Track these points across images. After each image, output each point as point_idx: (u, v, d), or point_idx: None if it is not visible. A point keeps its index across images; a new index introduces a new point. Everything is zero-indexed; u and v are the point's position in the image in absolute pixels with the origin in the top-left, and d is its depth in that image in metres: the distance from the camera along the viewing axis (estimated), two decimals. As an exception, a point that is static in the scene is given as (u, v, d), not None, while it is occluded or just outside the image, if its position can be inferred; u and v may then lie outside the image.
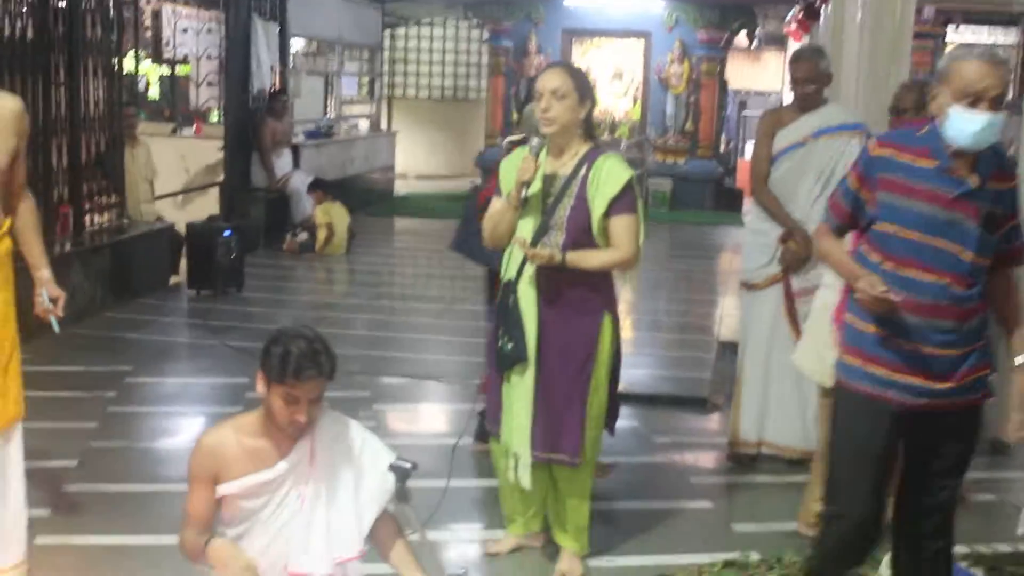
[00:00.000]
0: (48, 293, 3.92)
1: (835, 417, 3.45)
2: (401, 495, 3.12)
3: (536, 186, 3.98)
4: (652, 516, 4.79)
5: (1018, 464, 5.59)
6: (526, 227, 4.01)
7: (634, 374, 6.93)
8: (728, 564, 4.26)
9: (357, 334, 7.95)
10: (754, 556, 4.34)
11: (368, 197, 14.90)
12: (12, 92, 3.89)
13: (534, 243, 3.95)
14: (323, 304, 9.53)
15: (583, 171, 3.97)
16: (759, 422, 5.38)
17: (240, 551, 3.13)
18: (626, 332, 8.60)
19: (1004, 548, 4.46)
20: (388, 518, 3.31)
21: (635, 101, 16.50)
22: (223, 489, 3.16)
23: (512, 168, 4.03)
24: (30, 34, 7.55)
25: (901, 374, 3.22)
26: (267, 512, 3.19)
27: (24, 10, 7.52)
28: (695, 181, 15.95)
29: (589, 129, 4.09)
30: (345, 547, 3.20)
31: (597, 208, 3.93)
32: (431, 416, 6.36)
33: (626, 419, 5.52)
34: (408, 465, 3.10)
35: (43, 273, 3.93)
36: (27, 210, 3.90)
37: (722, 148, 16.95)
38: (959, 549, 3.94)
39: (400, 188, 17.14)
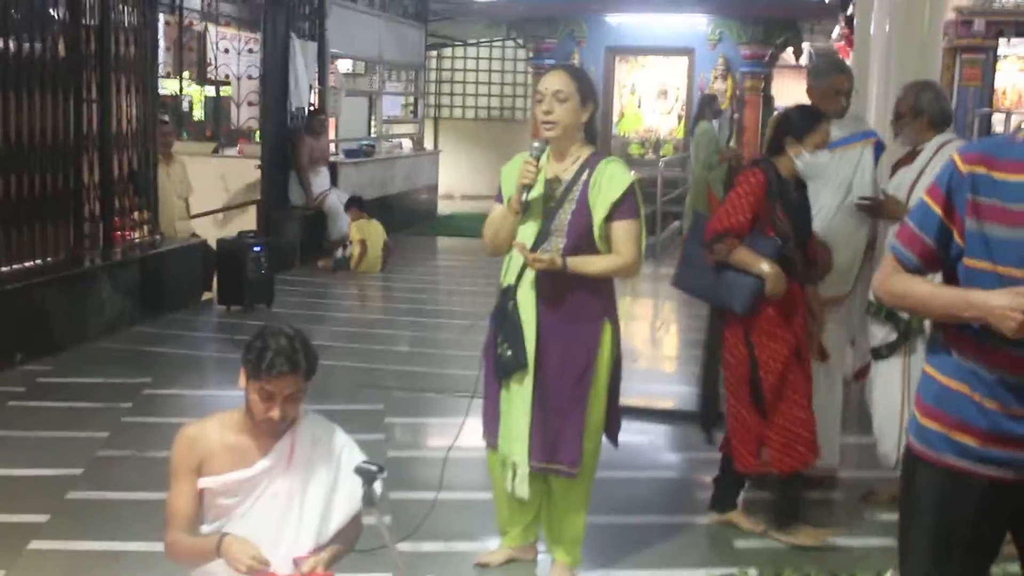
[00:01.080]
0: None
1: (906, 494, 2.74)
2: (368, 499, 3.07)
3: (538, 191, 3.93)
4: (653, 530, 4.70)
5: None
6: (527, 232, 3.97)
7: (645, 388, 6.86)
8: (722, 580, 4.16)
9: (377, 349, 7.89)
10: (752, 572, 4.24)
11: (411, 217, 14.95)
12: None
13: (535, 248, 3.91)
14: (349, 320, 9.57)
15: (585, 175, 3.93)
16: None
17: (252, 543, 3.04)
18: (639, 343, 8.52)
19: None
20: (355, 526, 3.27)
21: (680, 120, 16.40)
22: (203, 483, 3.12)
23: (514, 172, 3.99)
24: (62, 51, 7.68)
25: (999, 445, 2.52)
26: (242, 510, 3.15)
27: (56, 28, 7.65)
28: (739, 199, 15.72)
29: (592, 133, 4.05)
30: (303, 546, 3.14)
31: (599, 213, 3.89)
32: (442, 429, 6.28)
33: (634, 433, 5.46)
34: (374, 468, 3.06)
35: None
36: None
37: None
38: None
39: (444, 208, 17.17)
